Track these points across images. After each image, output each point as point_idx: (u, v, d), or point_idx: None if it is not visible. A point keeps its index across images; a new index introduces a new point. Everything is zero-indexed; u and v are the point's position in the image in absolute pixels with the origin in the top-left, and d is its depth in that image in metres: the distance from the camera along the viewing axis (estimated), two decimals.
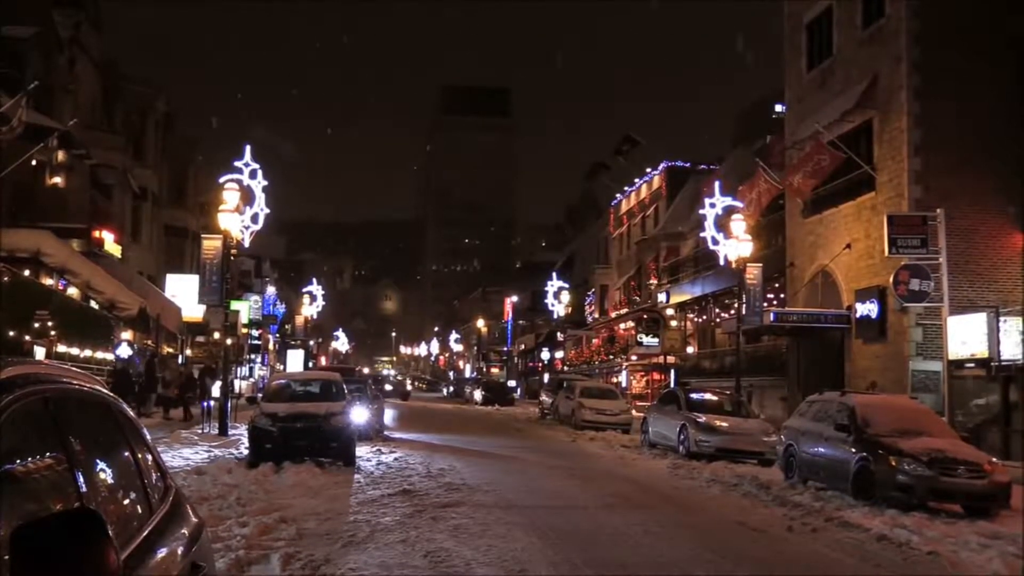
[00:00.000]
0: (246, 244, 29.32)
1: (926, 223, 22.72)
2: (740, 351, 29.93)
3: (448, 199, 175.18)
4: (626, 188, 59.88)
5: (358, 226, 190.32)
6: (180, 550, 3.40)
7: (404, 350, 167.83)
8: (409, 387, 74.19)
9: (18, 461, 2.45)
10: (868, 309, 26.08)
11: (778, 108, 36.89)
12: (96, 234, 30.26)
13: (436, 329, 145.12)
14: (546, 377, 58.14)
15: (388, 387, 63.46)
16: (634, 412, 34.22)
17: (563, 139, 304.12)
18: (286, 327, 78.19)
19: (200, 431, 24.24)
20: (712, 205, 33.52)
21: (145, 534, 3.09)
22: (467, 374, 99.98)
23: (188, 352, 41.65)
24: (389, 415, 31.62)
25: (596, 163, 67.92)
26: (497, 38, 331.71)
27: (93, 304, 28.69)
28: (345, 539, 10.29)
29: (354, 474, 16.76)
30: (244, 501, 12.41)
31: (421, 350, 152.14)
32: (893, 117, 25.51)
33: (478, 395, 56.28)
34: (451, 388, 74.96)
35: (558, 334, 67.15)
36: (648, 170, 55.98)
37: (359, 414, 23.81)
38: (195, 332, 40.25)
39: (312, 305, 77.03)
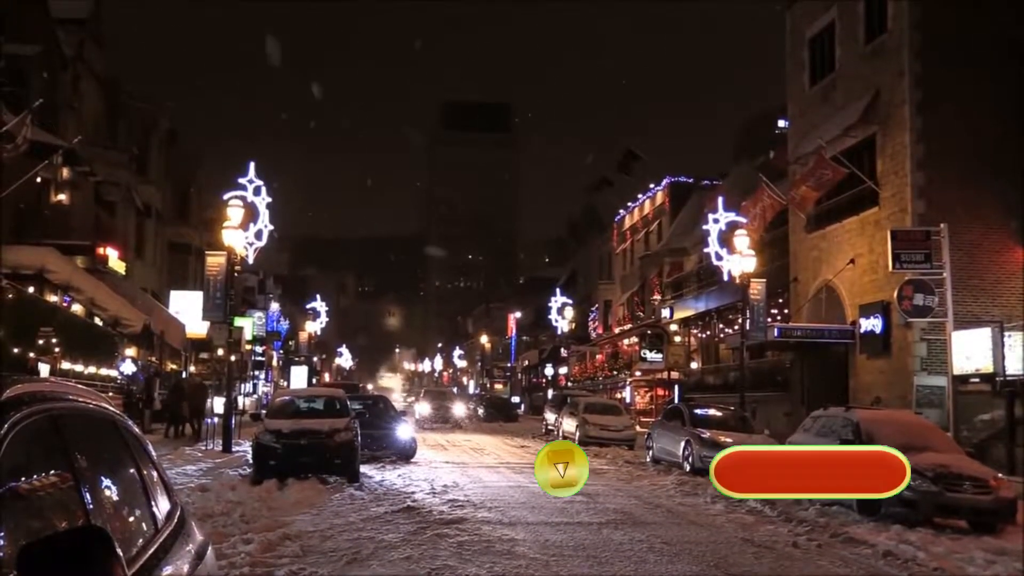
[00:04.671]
0: (250, 261, 29.34)
1: (929, 238, 22.72)
2: (744, 366, 29.90)
3: (450, 215, 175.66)
4: (629, 203, 59.87)
5: (361, 242, 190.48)
6: (186, 568, 3.40)
7: (407, 366, 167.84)
8: (463, 412, 50.31)
9: (24, 479, 2.46)
10: (872, 324, 26.03)
11: (781, 123, 36.96)
12: (100, 251, 30.31)
13: (440, 345, 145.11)
14: (550, 393, 57.95)
15: (425, 407, 46.00)
16: (638, 428, 34.16)
17: (564, 154, 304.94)
18: (290, 343, 78.14)
19: (204, 448, 24.26)
20: (715, 220, 33.57)
21: (151, 551, 3.09)
22: (471, 390, 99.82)
23: (192, 368, 41.64)
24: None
25: (599, 178, 67.89)
26: (498, 54, 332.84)
27: (97, 321, 28.74)
28: (349, 556, 10.27)
29: (358, 491, 16.73)
30: (248, 518, 12.39)
31: (425, 366, 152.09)
32: (896, 132, 25.52)
33: (481, 411, 56.11)
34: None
35: (562, 350, 67.01)
36: (651, 185, 56.00)
37: (404, 431, 24.59)
38: (199, 348, 40.28)
39: (315, 321, 77.00)
